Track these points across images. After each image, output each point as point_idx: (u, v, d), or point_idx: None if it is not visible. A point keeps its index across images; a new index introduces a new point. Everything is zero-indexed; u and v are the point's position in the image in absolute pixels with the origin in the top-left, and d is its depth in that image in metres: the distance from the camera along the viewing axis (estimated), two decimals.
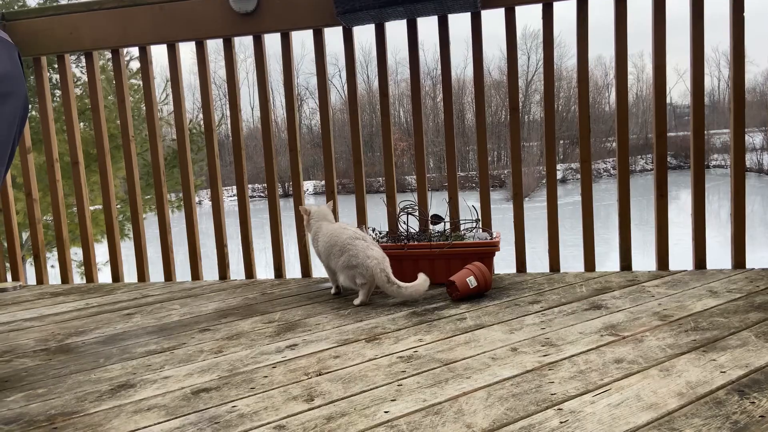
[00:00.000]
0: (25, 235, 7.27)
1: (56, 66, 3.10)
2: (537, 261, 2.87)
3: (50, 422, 1.40)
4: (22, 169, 2.99)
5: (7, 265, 3.10)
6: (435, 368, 1.58)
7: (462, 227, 2.66)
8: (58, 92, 7.27)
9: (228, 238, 3.02)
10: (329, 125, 2.81)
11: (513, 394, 1.39)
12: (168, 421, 1.37)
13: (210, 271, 3.06)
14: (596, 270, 2.63)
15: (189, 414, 1.40)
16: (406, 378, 1.53)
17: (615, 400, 1.32)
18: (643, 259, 2.78)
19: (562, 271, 2.66)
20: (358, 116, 2.75)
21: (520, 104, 2.74)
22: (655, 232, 2.61)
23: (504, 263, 2.73)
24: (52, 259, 6.05)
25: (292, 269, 3.02)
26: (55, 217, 3.02)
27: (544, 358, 1.60)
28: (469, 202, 2.69)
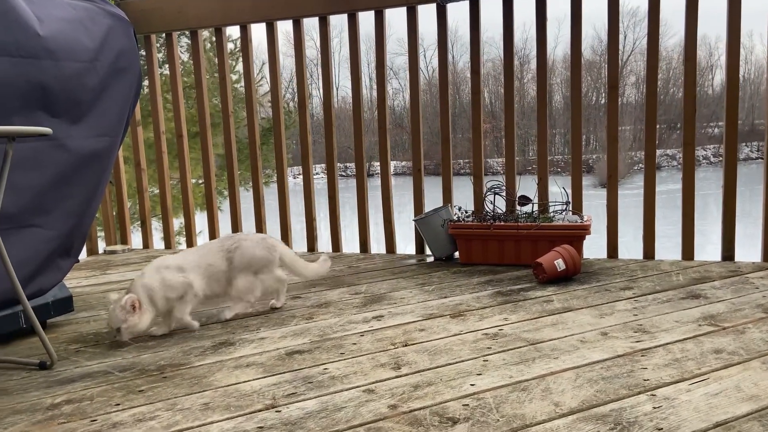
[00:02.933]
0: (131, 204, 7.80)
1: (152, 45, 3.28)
2: (624, 250, 2.76)
3: (160, 371, 1.53)
4: (132, 141, 3.21)
5: (117, 230, 3.36)
6: (521, 347, 1.58)
7: (551, 210, 2.61)
8: (159, 70, 7.69)
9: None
10: (419, 103, 2.82)
11: (603, 377, 1.37)
12: (265, 377, 1.45)
13: (298, 243, 3.18)
14: (695, 259, 2.50)
15: (284, 372, 1.48)
16: (491, 354, 1.54)
17: (713, 390, 1.27)
18: (743, 252, 2.60)
19: (656, 258, 2.55)
20: (447, 93, 2.74)
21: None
22: (762, 223, 2.45)
23: (593, 249, 2.66)
24: (156, 227, 6.46)
25: (376, 245, 3.07)
26: (160, 186, 3.23)
27: (637, 344, 1.56)
28: (554, 187, 2.63)
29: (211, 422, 1.23)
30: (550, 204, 2.62)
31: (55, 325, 1.96)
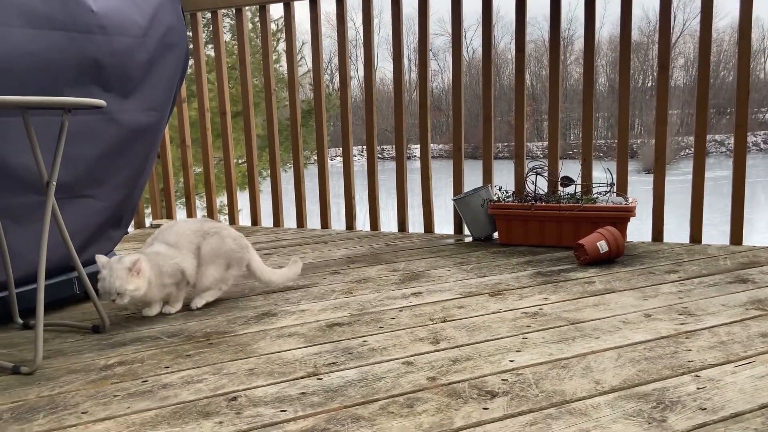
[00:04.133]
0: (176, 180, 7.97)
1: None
2: (668, 237, 2.69)
3: (206, 338, 1.58)
4: (177, 120, 3.29)
5: (163, 206, 3.46)
6: (561, 326, 1.58)
7: (594, 191, 2.57)
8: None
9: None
10: (461, 82, 2.80)
11: (646, 357, 1.35)
12: (307, 347, 1.49)
13: (336, 222, 3.21)
14: (743, 244, 2.43)
15: (325, 343, 1.51)
16: (531, 332, 1.54)
17: (759, 373, 1.25)
18: None
19: (703, 243, 2.49)
20: (491, 71, 2.71)
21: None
22: None
23: (636, 233, 2.60)
24: (199, 205, 6.63)
25: (413, 226, 3.07)
26: (204, 163, 3.30)
27: (681, 326, 1.54)
28: (597, 172, 2.58)
29: (256, 386, 1.27)
30: (594, 185, 2.58)
31: None
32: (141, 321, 1.75)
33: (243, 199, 3.54)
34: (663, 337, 1.46)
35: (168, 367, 1.38)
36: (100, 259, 1.64)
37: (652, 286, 1.90)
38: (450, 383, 1.26)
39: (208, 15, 3.12)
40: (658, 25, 2.52)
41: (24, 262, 1.69)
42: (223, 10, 3.15)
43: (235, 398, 1.22)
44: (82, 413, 1.17)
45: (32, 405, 1.22)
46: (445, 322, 1.64)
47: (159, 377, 1.33)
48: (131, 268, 1.61)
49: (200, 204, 6.17)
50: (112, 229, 2.01)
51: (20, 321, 1.70)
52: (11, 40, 1.55)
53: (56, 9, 1.65)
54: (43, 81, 1.63)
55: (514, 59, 2.69)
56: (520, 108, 2.71)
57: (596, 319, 1.62)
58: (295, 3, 2.94)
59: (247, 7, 3.06)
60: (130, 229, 3.12)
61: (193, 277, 1.81)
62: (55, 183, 1.47)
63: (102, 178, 1.89)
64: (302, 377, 1.31)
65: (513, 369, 1.32)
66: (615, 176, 2.55)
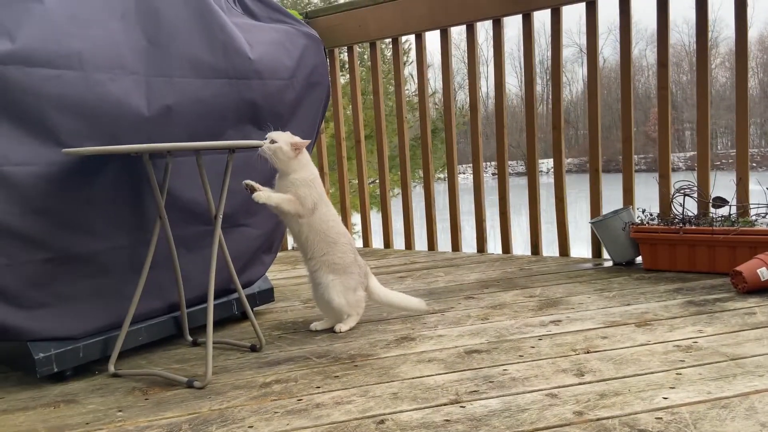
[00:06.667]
0: None
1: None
2: None
3: (351, 360, 1.67)
4: (317, 148, 3.50)
5: None
6: (720, 362, 1.47)
7: (752, 213, 2.36)
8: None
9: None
10: (597, 98, 2.71)
11: None
12: (447, 373, 1.52)
13: (465, 244, 3.23)
14: None
15: (465, 370, 1.53)
16: (685, 368, 1.45)
17: None
18: None
19: None
20: (630, 86, 2.60)
21: None
22: None
23: None
24: None
25: (546, 245, 3.01)
26: (340, 187, 3.48)
27: None
28: (755, 186, 2.37)
29: (401, 411, 1.32)
30: (752, 206, 2.37)
31: (259, 313, 2.22)
32: (291, 341, 1.88)
33: (373, 218, 3.68)
34: None
35: (319, 387, 1.48)
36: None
37: None
38: (599, 419, 1.22)
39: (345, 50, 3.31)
40: None
41: (192, 285, 1.90)
42: (358, 45, 3.33)
43: (382, 421, 1.28)
44: (249, 427, 1.29)
45: (205, 417, 1.36)
46: (588, 353, 1.60)
47: (312, 397, 1.43)
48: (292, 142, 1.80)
49: None
50: (265, 254, 2.19)
51: (190, 338, 1.91)
52: (185, 90, 1.76)
53: (219, 59, 1.86)
54: (209, 124, 1.84)
55: (656, 74, 2.56)
56: (664, 125, 2.56)
57: (759, 355, 1.49)
58: (426, 33, 3.04)
59: (381, 40, 3.20)
60: None
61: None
62: (221, 216, 1.65)
63: (256, 208, 2.07)
64: (445, 404, 1.34)
65: (667, 407, 1.25)
66: None
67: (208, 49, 1.82)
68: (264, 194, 1.81)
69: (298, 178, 1.84)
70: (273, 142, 1.79)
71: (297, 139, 1.83)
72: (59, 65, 1.50)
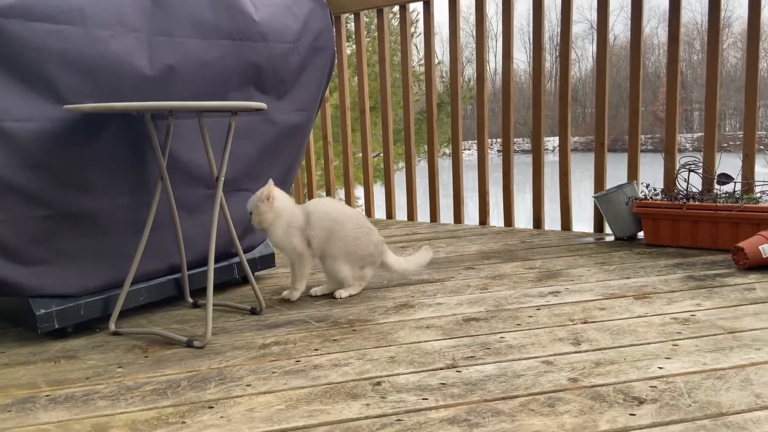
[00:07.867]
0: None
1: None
2: None
3: (350, 325, 1.68)
4: (321, 116, 3.48)
5: (306, 196, 3.68)
6: (717, 334, 1.47)
7: (757, 190, 2.34)
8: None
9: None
10: (606, 73, 2.68)
11: None
12: (444, 339, 1.53)
13: (466, 216, 3.22)
14: None
15: (462, 337, 1.54)
16: (682, 339, 1.46)
17: None
18: None
19: None
20: (640, 61, 2.56)
21: None
22: None
23: None
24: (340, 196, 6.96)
25: (549, 221, 3.00)
26: (344, 157, 3.47)
27: None
28: (761, 167, 2.34)
29: (398, 374, 1.33)
30: (757, 183, 2.35)
31: (260, 278, 2.24)
32: (291, 306, 1.89)
33: (377, 192, 3.67)
34: None
35: (317, 350, 1.49)
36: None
37: None
38: (593, 386, 1.23)
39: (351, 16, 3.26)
40: None
41: (193, 248, 1.91)
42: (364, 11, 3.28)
43: (379, 383, 1.29)
44: (247, 386, 1.31)
45: (204, 375, 1.38)
46: (586, 323, 1.60)
47: (310, 358, 1.44)
48: (260, 196, 1.83)
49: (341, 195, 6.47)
50: None
51: (190, 300, 1.92)
52: (188, 51, 1.74)
53: (224, 20, 1.83)
54: (213, 86, 1.82)
55: (666, 48, 2.52)
56: (672, 101, 2.53)
57: (757, 329, 1.49)
58: (435, 0, 2.99)
59: (389, 7, 3.15)
60: None
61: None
62: (223, 178, 1.64)
63: (259, 173, 2.07)
64: (441, 368, 1.35)
65: (662, 376, 1.26)
66: None
67: (212, 9, 1.80)
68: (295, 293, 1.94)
69: (277, 241, 1.89)
70: (251, 214, 1.85)
71: (264, 190, 1.83)
72: (60, 20, 1.48)
